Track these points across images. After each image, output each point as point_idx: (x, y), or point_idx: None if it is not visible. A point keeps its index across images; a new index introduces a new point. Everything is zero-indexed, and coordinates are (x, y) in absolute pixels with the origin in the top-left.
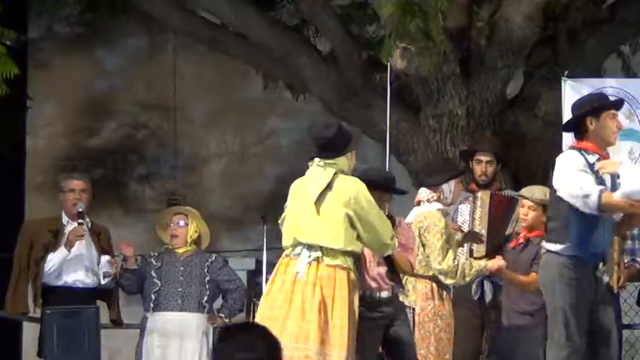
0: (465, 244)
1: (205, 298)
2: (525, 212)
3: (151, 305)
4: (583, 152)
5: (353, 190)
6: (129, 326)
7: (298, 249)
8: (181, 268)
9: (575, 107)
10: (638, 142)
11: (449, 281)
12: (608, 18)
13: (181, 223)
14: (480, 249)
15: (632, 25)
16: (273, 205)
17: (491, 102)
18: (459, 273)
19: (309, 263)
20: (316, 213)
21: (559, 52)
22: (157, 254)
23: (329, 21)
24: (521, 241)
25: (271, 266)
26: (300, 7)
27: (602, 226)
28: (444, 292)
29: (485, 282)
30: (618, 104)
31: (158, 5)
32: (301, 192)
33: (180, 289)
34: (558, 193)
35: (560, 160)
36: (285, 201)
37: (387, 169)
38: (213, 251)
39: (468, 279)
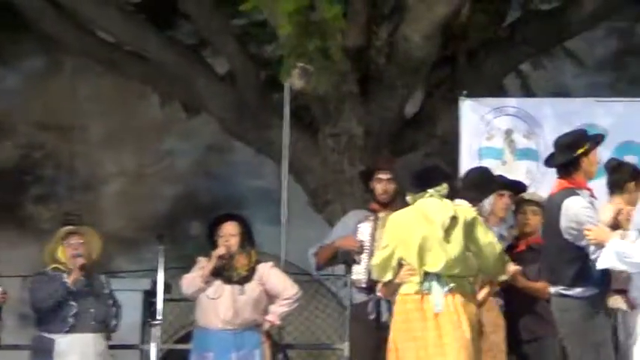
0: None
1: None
2: (529, 217)
3: (64, 327)
4: (579, 192)
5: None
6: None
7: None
8: (86, 289)
9: (567, 146)
10: (537, 162)
11: None
12: (507, 37)
13: (78, 242)
14: None
15: (531, 44)
16: (169, 225)
17: (389, 121)
18: None
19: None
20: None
21: (458, 72)
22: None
23: (227, 40)
24: (523, 248)
25: (167, 286)
26: (198, 26)
27: None
28: None
29: (381, 301)
30: (602, 139)
31: (55, 25)
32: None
33: (92, 310)
34: (578, 241)
35: (572, 207)
36: (181, 219)
37: (285, 189)
38: (109, 271)
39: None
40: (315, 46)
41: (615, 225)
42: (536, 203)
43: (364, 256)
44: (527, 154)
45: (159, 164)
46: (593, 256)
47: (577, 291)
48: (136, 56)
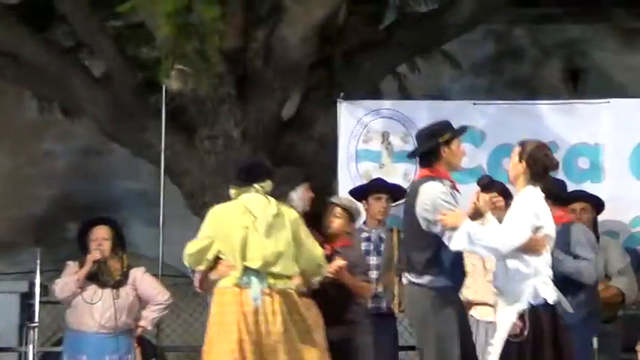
0: None
1: None
2: (333, 221)
3: None
4: (439, 180)
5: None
6: None
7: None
8: None
9: (427, 136)
10: (414, 165)
11: None
12: (384, 40)
13: None
14: None
15: (407, 46)
16: (46, 227)
17: (266, 123)
18: None
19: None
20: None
21: (335, 74)
22: None
23: (103, 42)
24: (329, 252)
25: (44, 289)
26: (75, 28)
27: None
28: None
29: None
30: (465, 130)
31: None
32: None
33: None
34: (433, 227)
35: (428, 192)
36: (58, 221)
37: (162, 191)
38: None
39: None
40: (193, 48)
41: (477, 213)
42: (343, 207)
43: None
44: (404, 156)
45: (36, 166)
46: (446, 241)
47: (426, 279)
48: (12, 58)
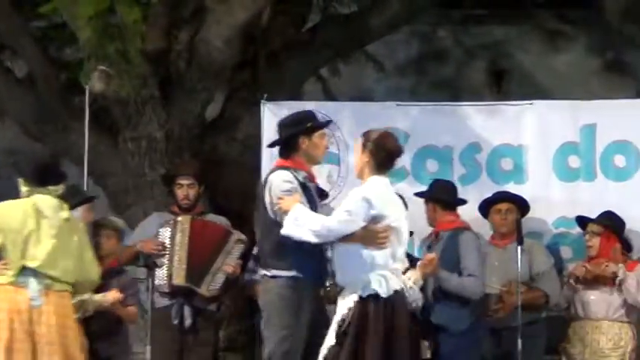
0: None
1: None
2: (103, 242)
3: None
4: (292, 170)
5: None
6: None
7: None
8: None
9: (287, 125)
10: (337, 166)
11: None
12: (307, 41)
13: None
14: (179, 274)
15: (331, 48)
16: None
17: (190, 125)
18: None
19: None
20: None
21: (259, 75)
22: None
23: (26, 42)
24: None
25: None
26: None
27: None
28: None
29: (185, 306)
30: (329, 123)
31: None
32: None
33: None
34: (278, 216)
35: (274, 180)
36: None
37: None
38: None
39: None
40: (116, 49)
41: None
42: (112, 228)
43: (165, 260)
44: (327, 158)
45: None
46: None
47: (275, 272)
48: None
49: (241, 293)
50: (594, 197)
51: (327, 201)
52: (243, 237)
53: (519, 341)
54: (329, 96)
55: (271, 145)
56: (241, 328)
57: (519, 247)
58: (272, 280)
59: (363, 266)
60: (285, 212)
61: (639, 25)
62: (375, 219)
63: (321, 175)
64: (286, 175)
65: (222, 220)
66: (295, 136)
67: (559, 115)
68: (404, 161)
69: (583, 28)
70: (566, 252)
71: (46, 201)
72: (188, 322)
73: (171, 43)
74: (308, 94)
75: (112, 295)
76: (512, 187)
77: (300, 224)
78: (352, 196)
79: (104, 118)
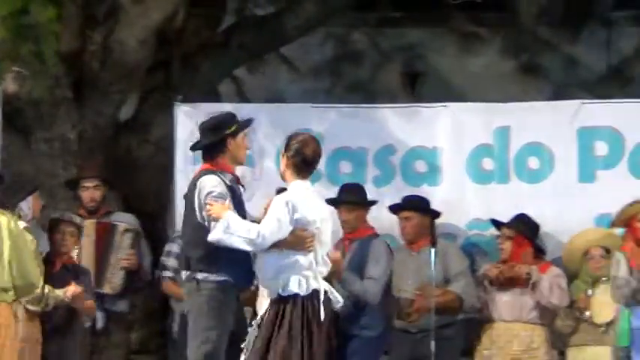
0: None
1: None
2: (67, 239)
3: None
4: (219, 174)
5: None
6: None
7: None
8: None
9: (212, 128)
10: (252, 167)
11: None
12: (222, 43)
13: None
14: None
15: (246, 50)
16: None
17: (103, 126)
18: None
19: None
20: None
21: (173, 77)
22: None
23: None
24: (58, 267)
25: None
26: None
27: None
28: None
29: (97, 310)
30: (251, 122)
31: None
32: None
33: None
34: (207, 222)
35: (204, 185)
36: None
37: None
38: None
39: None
40: (29, 50)
41: None
42: (74, 224)
43: None
44: None
45: None
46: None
47: (205, 275)
48: None
49: (154, 294)
50: (508, 199)
51: None
52: (130, 226)
53: (433, 344)
54: (243, 98)
55: (196, 148)
56: (154, 330)
57: (432, 250)
58: (201, 283)
59: (285, 268)
60: (215, 219)
61: (553, 28)
62: (298, 222)
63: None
64: (215, 180)
65: (128, 219)
66: (224, 139)
67: (473, 117)
68: (318, 163)
69: (498, 31)
70: (480, 254)
71: None
72: (100, 324)
73: (85, 43)
74: (222, 95)
75: (72, 290)
76: (426, 189)
77: (232, 232)
78: (277, 202)
79: (17, 119)
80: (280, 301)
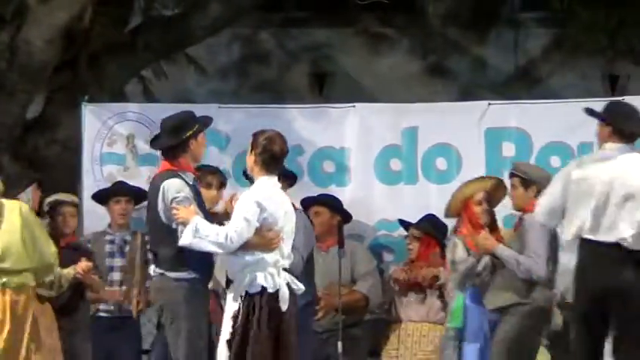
0: None
1: None
2: (68, 220)
3: None
4: (182, 174)
5: None
6: None
7: None
8: None
9: (175, 128)
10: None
11: None
12: (129, 43)
13: None
14: None
15: (152, 50)
16: None
17: (10, 126)
18: None
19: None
20: None
21: (79, 76)
22: None
23: None
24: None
25: None
26: None
27: None
28: None
29: None
30: (212, 121)
31: None
32: None
33: None
34: (173, 223)
35: (169, 187)
36: None
37: None
38: None
39: None
40: None
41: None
42: (73, 204)
43: None
44: (148, 159)
45: None
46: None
47: (175, 274)
48: None
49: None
50: (416, 200)
51: None
52: None
53: (339, 344)
54: (150, 98)
55: (156, 147)
56: None
57: (340, 250)
58: (175, 282)
59: (251, 264)
60: (183, 224)
61: (461, 29)
62: (265, 221)
63: (142, 176)
64: (179, 183)
65: None
66: (187, 139)
67: (381, 117)
68: (225, 163)
69: (406, 32)
70: (387, 254)
71: None
72: None
73: None
74: (130, 95)
75: (82, 266)
76: (334, 190)
77: (201, 236)
78: (244, 200)
79: None
80: (250, 298)
